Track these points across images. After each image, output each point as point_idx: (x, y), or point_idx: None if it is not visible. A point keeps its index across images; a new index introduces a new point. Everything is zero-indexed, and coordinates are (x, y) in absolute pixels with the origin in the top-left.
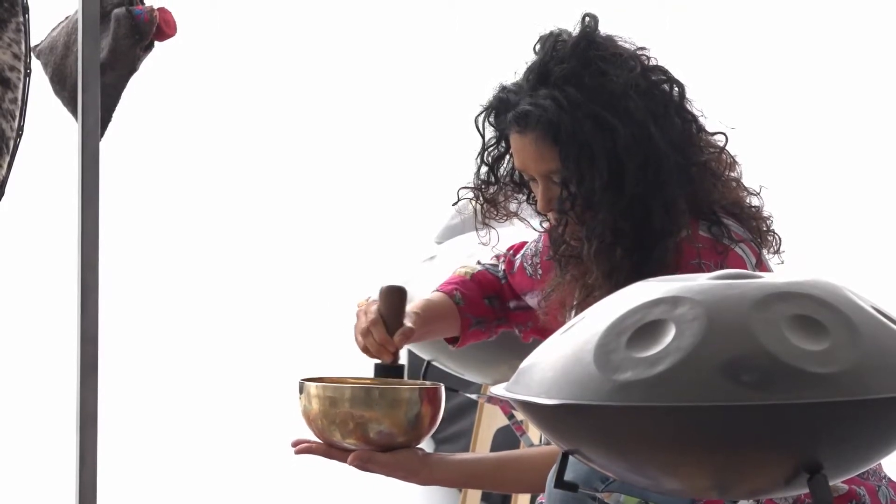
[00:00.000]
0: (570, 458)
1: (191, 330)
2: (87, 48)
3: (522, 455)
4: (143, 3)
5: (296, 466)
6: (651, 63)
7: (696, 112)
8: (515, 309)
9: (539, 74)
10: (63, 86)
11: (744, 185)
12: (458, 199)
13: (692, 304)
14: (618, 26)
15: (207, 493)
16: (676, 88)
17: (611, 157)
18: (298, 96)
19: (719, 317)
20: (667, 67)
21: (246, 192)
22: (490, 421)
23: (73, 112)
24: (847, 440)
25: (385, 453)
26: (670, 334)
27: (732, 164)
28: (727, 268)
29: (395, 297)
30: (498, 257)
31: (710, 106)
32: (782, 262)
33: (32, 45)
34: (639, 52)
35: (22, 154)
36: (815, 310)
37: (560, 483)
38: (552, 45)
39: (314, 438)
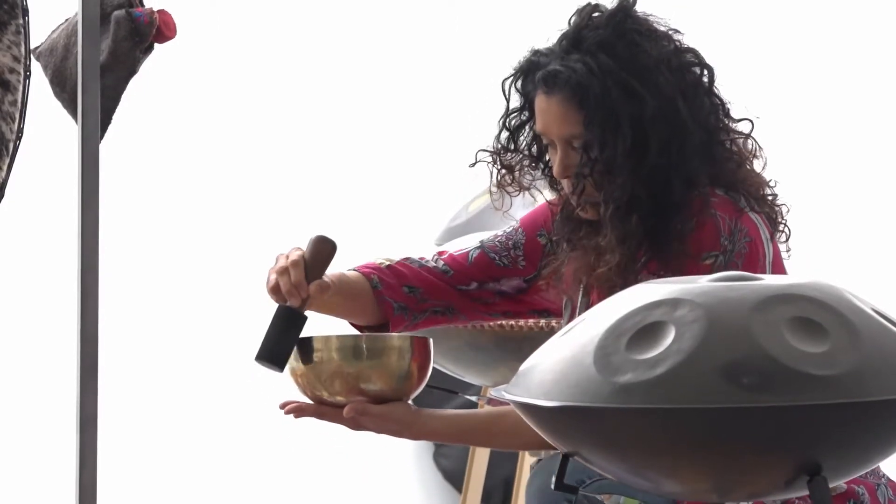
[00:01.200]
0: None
1: (191, 332)
2: (86, 50)
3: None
4: (142, 6)
5: (296, 467)
6: (684, 45)
7: (723, 98)
8: (478, 289)
9: (572, 40)
10: (63, 88)
11: (764, 178)
12: (476, 161)
13: (692, 307)
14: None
15: (208, 494)
16: (707, 72)
17: (636, 126)
18: (299, 99)
19: (719, 319)
20: (699, 52)
21: (246, 194)
22: None
23: (73, 114)
24: (847, 442)
25: (378, 405)
26: (670, 336)
27: (756, 153)
28: (741, 227)
29: (324, 246)
30: (421, 258)
31: None
32: (789, 256)
33: (32, 47)
34: (673, 34)
35: (22, 156)
36: (816, 312)
37: (560, 486)
38: (588, 13)
39: (303, 399)
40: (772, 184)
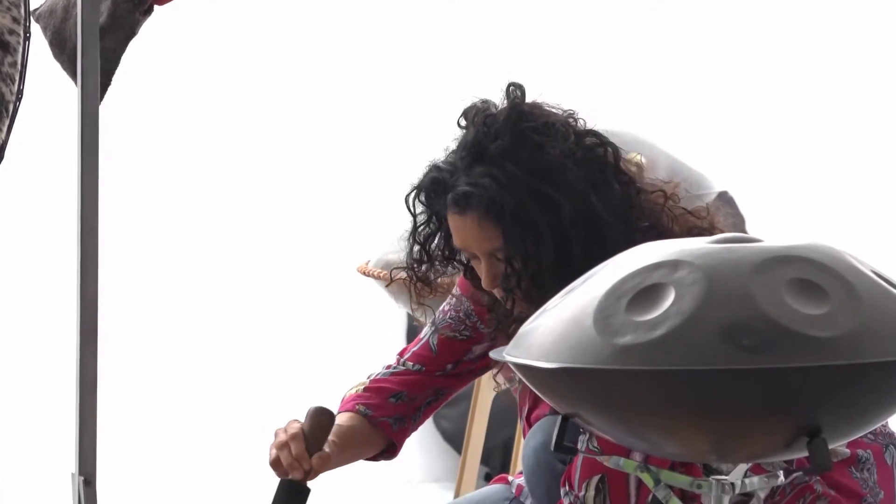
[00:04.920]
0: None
1: (192, 295)
2: (86, 12)
3: None
4: None
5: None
6: (582, 126)
7: (632, 173)
8: (477, 358)
9: (473, 152)
10: (62, 49)
11: (691, 217)
12: (392, 281)
13: (692, 268)
14: (601, 22)
15: (206, 457)
16: (610, 150)
17: (556, 233)
18: (301, 61)
19: (719, 280)
20: (598, 130)
21: (248, 155)
22: (490, 384)
23: (73, 76)
24: (846, 404)
25: None
26: (670, 298)
27: (674, 218)
28: None
29: (322, 417)
30: (388, 367)
31: (709, 97)
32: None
33: (32, 8)
34: (568, 117)
35: (22, 118)
36: (815, 274)
37: (560, 447)
38: (482, 120)
39: None
40: (702, 212)
